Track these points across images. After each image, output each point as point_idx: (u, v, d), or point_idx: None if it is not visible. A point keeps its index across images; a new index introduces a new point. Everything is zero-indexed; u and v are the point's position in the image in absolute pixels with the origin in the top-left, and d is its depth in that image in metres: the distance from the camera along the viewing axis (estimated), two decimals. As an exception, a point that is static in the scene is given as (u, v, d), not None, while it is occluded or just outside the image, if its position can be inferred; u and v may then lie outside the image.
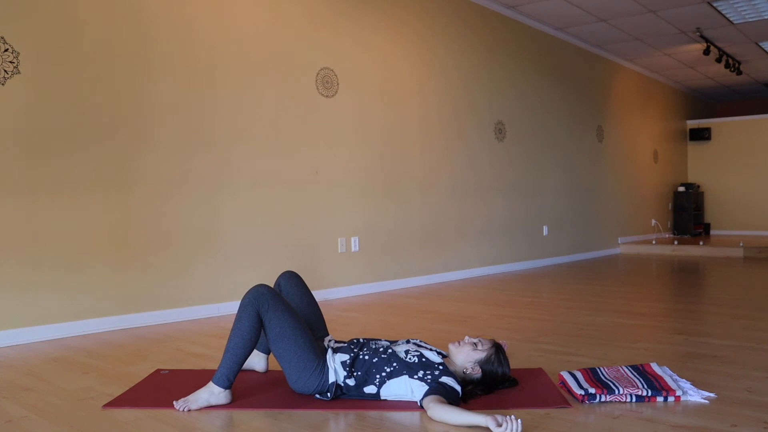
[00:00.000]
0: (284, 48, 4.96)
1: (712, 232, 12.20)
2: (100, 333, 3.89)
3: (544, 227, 7.95)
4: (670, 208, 11.72)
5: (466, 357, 2.50)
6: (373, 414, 2.31)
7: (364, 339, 2.60)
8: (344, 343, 2.64)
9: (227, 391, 2.42)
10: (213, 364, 3.06)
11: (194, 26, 4.42)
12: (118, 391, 2.64)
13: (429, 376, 2.36)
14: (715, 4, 7.18)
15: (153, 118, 4.20)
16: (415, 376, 2.38)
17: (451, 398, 2.28)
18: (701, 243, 9.40)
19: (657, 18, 7.65)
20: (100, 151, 3.96)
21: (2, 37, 3.58)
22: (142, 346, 3.53)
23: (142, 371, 2.96)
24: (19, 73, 3.64)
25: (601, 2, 7.07)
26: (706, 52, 8.55)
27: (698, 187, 12.19)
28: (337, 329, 3.87)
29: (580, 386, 2.46)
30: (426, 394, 2.30)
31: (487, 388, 2.48)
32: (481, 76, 6.92)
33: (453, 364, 2.52)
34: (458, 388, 2.35)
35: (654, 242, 9.84)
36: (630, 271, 7.15)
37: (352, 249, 5.45)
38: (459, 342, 2.55)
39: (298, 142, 5.04)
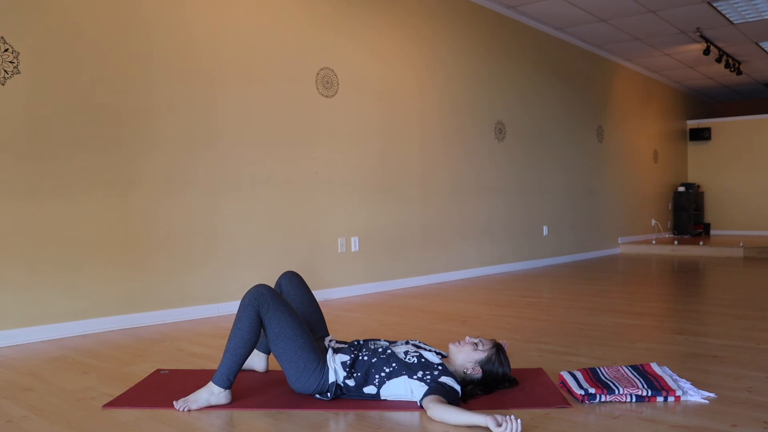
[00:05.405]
0: (284, 48, 4.96)
1: (712, 232, 12.19)
2: (100, 333, 3.89)
3: (544, 227, 7.94)
4: (670, 208, 11.72)
5: (467, 357, 2.50)
6: (373, 414, 2.32)
7: (363, 341, 2.60)
8: (345, 344, 2.64)
9: (227, 391, 2.42)
10: (213, 364, 3.06)
11: (194, 26, 4.42)
12: (118, 391, 2.64)
13: (428, 377, 2.36)
14: (715, 4, 7.18)
15: (153, 118, 4.20)
16: (415, 377, 2.38)
17: (450, 398, 2.28)
18: (701, 243, 9.40)
19: (657, 18, 7.65)
20: (100, 151, 3.96)
21: (2, 37, 3.58)
22: (142, 346, 3.53)
23: (142, 371, 2.96)
24: (19, 73, 3.64)
25: (601, 2, 7.07)
26: (706, 52, 8.55)
27: (698, 187, 12.18)
28: (337, 329, 3.87)
29: (580, 386, 2.46)
30: (426, 394, 2.30)
31: (488, 388, 2.48)
32: (481, 76, 6.92)
33: (453, 364, 2.52)
34: (458, 387, 2.35)
35: (654, 242, 9.84)
36: (630, 271, 7.15)
37: (352, 249, 5.45)
38: (459, 342, 2.55)
39: (298, 142, 5.04)
